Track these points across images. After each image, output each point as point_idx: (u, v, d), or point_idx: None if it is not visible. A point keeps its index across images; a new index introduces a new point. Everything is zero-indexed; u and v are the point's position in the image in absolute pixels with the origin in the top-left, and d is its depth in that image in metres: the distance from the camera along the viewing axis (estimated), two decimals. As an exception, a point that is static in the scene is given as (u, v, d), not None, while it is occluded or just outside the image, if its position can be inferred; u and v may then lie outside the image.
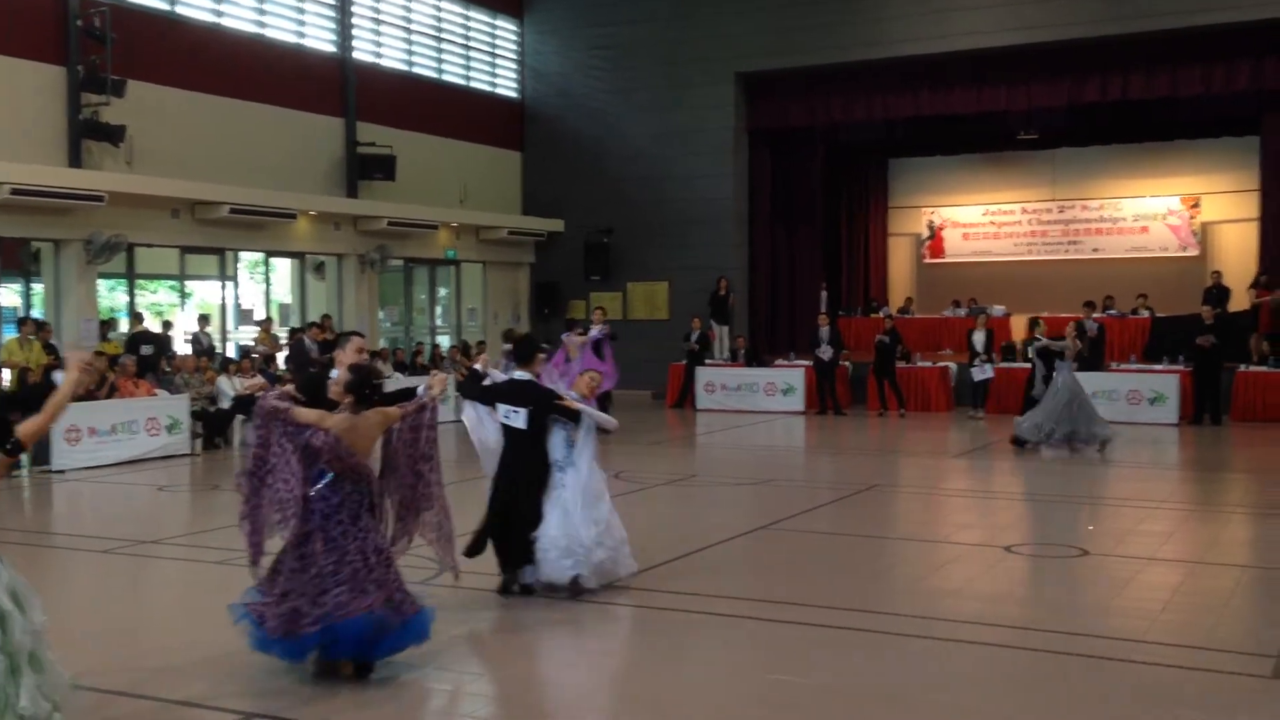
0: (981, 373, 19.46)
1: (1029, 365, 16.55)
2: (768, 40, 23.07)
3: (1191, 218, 26.65)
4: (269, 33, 20.22)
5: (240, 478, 6.40)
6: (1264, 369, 18.66)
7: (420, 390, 6.78)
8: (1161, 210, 26.95)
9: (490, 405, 8.10)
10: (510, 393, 7.96)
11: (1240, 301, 21.19)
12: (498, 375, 8.37)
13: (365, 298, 21.57)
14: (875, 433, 18.46)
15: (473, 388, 8.31)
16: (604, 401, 15.15)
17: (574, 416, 7.93)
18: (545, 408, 7.87)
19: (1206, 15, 19.97)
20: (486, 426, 8.23)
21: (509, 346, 8.77)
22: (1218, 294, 20.43)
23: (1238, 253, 24.73)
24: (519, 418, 7.85)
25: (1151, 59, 20.99)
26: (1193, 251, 26.41)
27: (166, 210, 17.93)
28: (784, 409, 20.68)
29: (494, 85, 25.33)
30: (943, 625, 7.27)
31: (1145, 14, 20.36)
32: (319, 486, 6.15)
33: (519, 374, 8.07)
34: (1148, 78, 21.17)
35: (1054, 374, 15.21)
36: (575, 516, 7.77)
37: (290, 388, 6.70)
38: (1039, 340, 15.86)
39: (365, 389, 6.22)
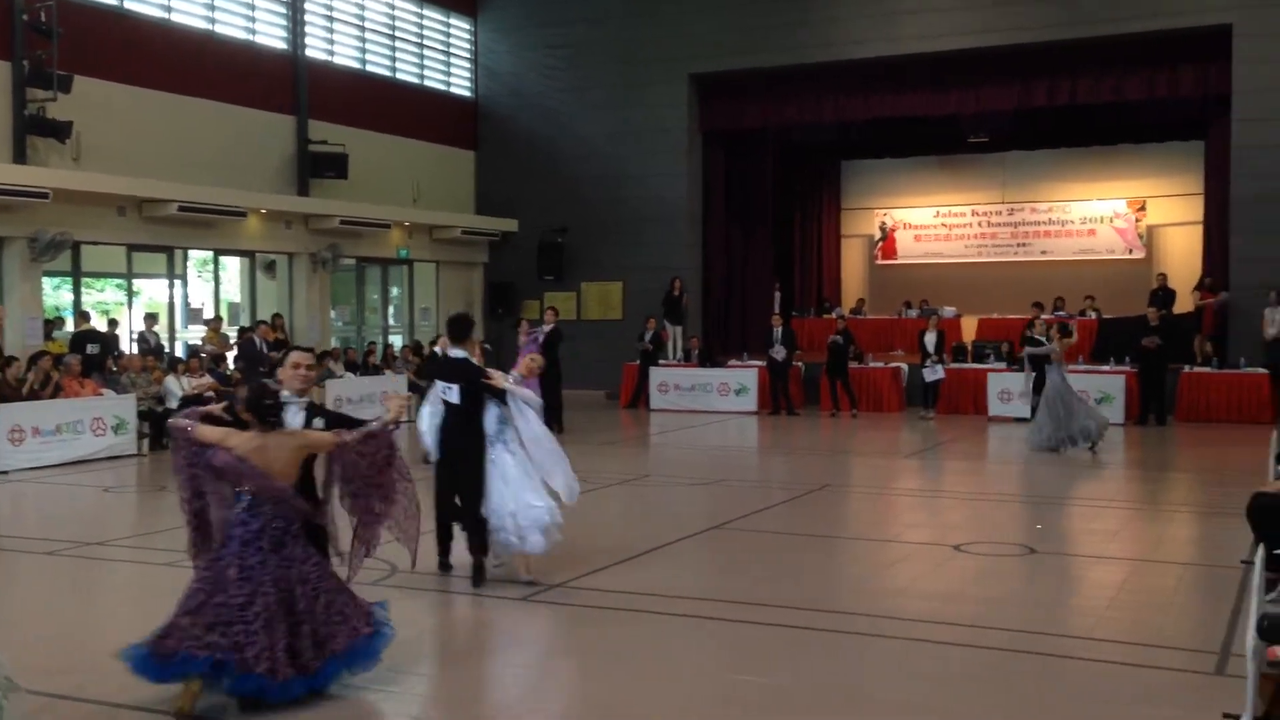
0: (933, 373, 19.64)
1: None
2: (722, 41, 23.15)
3: (1137, 221, 27.06)
4: (219, 29, 20.00)
5: (183, 505, 6.03)
6: (1207, 370, 18.99)
7: (375, 419, 6.27)
8: (1108, 213, 27.34)
9: (432, 381, 8.92)
10: (446, 370, 8.57)
11: (1185, 304, 21.54)
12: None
13: (317, 297, 21.39)
14: (827, 433, 18.58)
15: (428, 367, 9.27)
16: (555, 400, 15.45)
17: (499, 394, 8.31)
18: (474, 384, 8.31)
19: (1151, 21, 20.30)
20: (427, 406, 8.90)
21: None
22: (1163, 296, 20.76)
23: (1182, 255, 25.15)
24: (453, 393, 8.38)
25: (1098, 64, 21.30)
26: (1139, 254, 26.82)
27: (113, 208, 17.69)
28: (737, 409, 20.75)
29: (448, 84, 25.22)
30: (892, 623, 7.34)
31: (1092, 20, 20.65)
32: (237, 509, 5.76)
33: (455, 352, 8.56)
34: (1095, 82, 21.48)
35: (1045, 377, 15.35)
36: (506, 491, 8.18)
37: (216, 407, 6.20)
38: (1033, 338, 15.99)
39: (262, 408, 5.75)
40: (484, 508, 8.19)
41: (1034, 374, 16.02)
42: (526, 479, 8.22)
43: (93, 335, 17.04)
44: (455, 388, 8.37)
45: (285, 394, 6.20)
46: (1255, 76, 19.76)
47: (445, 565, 8.67)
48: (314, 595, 5.73)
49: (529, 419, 8.36)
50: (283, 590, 5.63)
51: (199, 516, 5.98)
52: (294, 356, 6.51)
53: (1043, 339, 16.07)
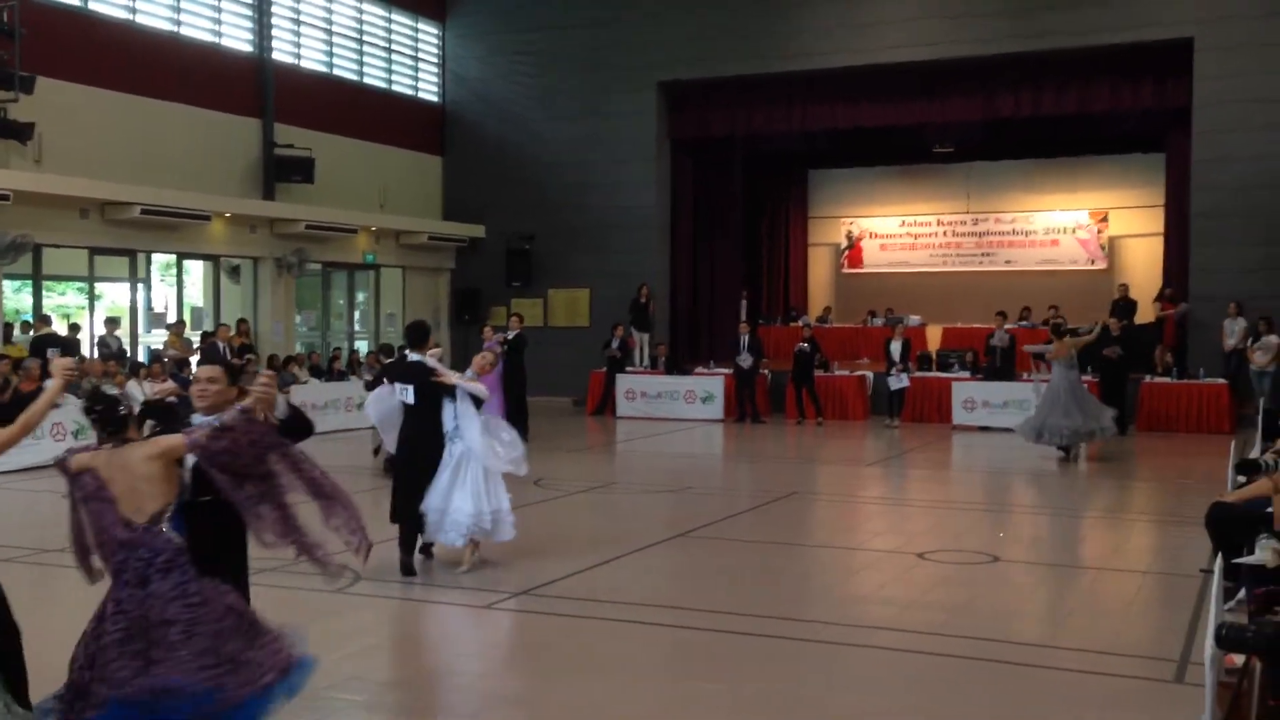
0: (898, 382, 19.76)
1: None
2: (689, 50, 23.21)
3: (1100, 232, 27.36)
4: (185, 31, 19.85)
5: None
6: (1167, 380, 19.20)
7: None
8: (1071, 224, 27.63)
9: (392, 383, 9.10)
10: (402, 372, 9.03)
11: (1146, 314, 21.79)
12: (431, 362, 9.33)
13: (282, 302, 21.26)
14: (793, 441, 18.65)
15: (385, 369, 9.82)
16: (521, 408, 15.77)
17: (449, 390, 8.75)
18: (425, 383, 8.76)
19: (1113, 35, 20.54)
20: (385, 405, 9.15)
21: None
22: (1124, 306, 20.98)
23: (1143, 266, 25.45)
24: (409, 394, 8.83)
25: (1062, 76, 21.54)
26: (1100, 265, 27.11)
27: (75, 210, 17.51)
28: (704, 417, 20.78)
29: (415, 89, 25.15)
30: (856, 631, 7.38)
31: (1055, 32, 20.88)
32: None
33: (412, 355, 9.03)
34: (1058, 94, 21.71)
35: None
36: (455, 485, 8.68)
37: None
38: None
39: (92, 415, 5.02)
40: (425, 504, 8.67)
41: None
42: (460, 479, 8.70)
43: (53, 339, 16.84)
44: (410, 388, 8.81)
45: (196, 415, 5.52)
46: (1215, 90, 20.03)
47: (409, 568, 8.85)
48: (183, 637, 4.74)
49: (468, 431, 8.73)
50: (157, 625, 4.76)
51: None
52: (196, 371, 5.98)
53: (1044, 348, 16.01)
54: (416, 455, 8.79)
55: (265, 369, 17.00)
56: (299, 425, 5.64)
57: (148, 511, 4.85)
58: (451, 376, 8.85)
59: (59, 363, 5.49)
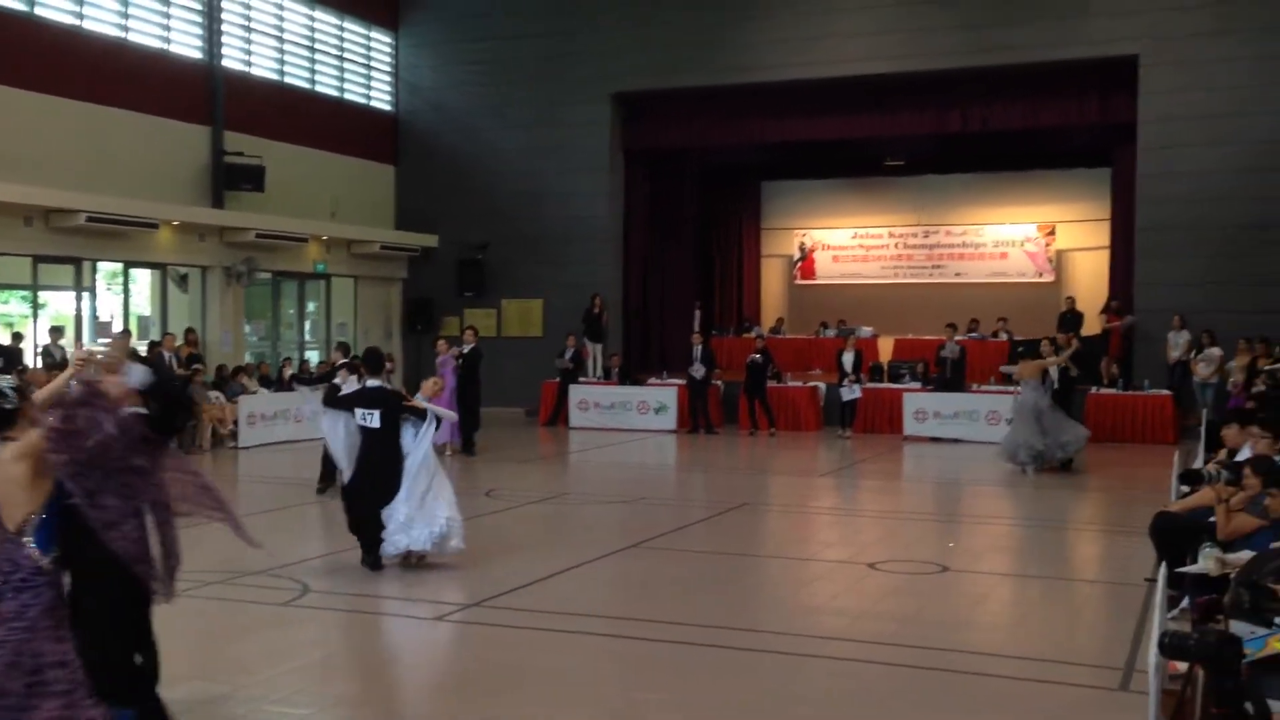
0: (850, 393, 19.88)
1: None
2: (643, 61, 23.27)
3: (1047, 245, 27.71)
4: (133, 37, 19.60)
5: None
6: (1114, 391, 19.46)
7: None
8: (1020, 237, 27.96)
9: (349, 410, 9.45)
10: (366, 398, 9.40)
11: (1092, 326, 22.09)
12: (351, 386, 10.40)
13: (230, 311, 21.01)
14: (746, 451, 18.70)
15: (334, 399, 9.98)
16: (474, 421, 15.92)
17: (421, 413, 9.40)
18: (396, 408, 9.33)
19: (1061, 51, 20.83)
20: (339, 432, 9.65)
21: (343, 360, 10.42)
22: (1071, 319, 21.25)
23: (1090, 279, 25.79)
24: (374, 418, 9.25)
25: (1011, 92, 21.81)
26: (1048, 277, 27.45)
27: (20, 218, 17.20)
28: (656, 427, 20.78)
29: (368, 97, 25.00)
30: (807, 641, 7.39)
31: (1004, 48, 21.13)
32: None
33: (371, 382, 9.54)
34: (1007, 110, 21.98)
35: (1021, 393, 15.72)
36: (430, 491, 9.24)
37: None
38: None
39: None
40: (391, 510, 9.17)
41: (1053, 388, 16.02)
42: (411, 492, 9.21)
43: (-5, 348, 16.54)
44: (376, 413, 9.26)
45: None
46: (1159, 106, 20.37)
47: (376, 564, 9.27)
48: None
49: (417, 452, 9.33)
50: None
51: None
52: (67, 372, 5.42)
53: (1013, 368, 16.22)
54: (379, 475, 9.21)
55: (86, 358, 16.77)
56: (167, 397, 4.94)
57: (15, 519, 4.27)
58: (421, 402, 9.58)
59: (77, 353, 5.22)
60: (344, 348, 14.49)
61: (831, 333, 25.33)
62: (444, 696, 6.68)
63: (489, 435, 17.88)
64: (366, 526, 9.32)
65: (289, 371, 20.32)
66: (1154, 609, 5.69)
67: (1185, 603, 7.14)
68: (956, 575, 9.47)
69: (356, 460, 9.43)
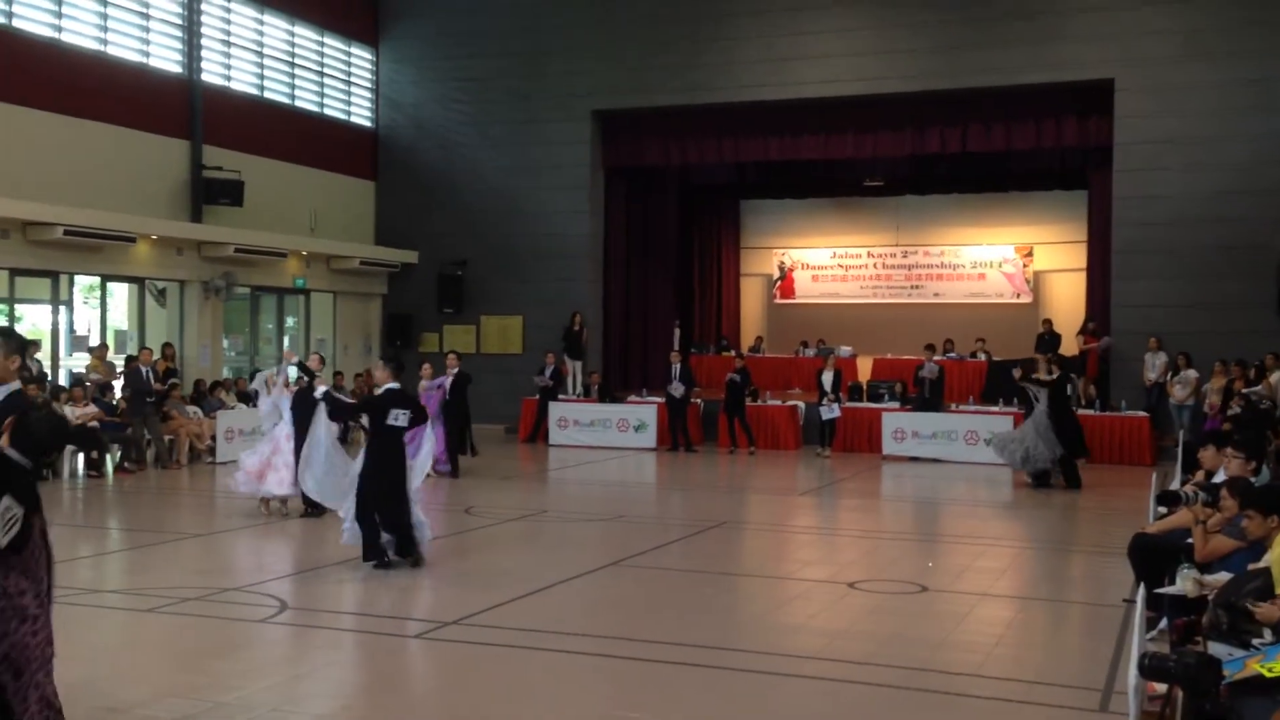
0: (829, 411, 19.92)
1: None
2: (623, 79, 23.35)
3: (1025, 266, 27.90)
4: (112, 50, 19.53)
5: None
6: (1091, 412, 19.56)
7: None
8: (997, 258, 28.14)
9: (384, 411, 10.11)
10: (400, 400, 10.26)
11: (1070, 347, 22.22)
12: (321, 390, 11.37)
13: (209, 326, 20.91)
14: (725, 470, 18.70)
15: (347, 407, 11.44)
16: (463, 445, 16.26)
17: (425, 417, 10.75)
18: (421, 411, 10.58)
19: (1036, 74, 21.03)
20: (319, 436, 11.45)
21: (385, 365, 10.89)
22: (1049, 340, 21.37)
23: (1067, 300, 25.99)
24: (405, 418, 10.12)
25: (989, 114, 21.98)
26: (1026, 298, 27.63)
27: (-5, 230, 17.11)
28: (636, 445, 20.77)
29: (348, 113, 24.98)
30: (786, 660, 7.38)
31: (981, 70, 21.33)
32: None
33: (393, 385, 10.35)
34: (985, 132, 22.15)
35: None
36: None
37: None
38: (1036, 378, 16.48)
39: None
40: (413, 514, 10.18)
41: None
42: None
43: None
44: (406, 414, 10.13)
45: None
46: (1135, 129, 20.57)
47: (421, 560, 10.08)
48: None
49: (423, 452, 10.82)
50: None
51: None
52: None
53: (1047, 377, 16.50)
54: (402, 475, 10.15)
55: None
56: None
57: None
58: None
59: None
60: (321, 359, 14.42)
61: (811, 352, 25.40)
62: (422, 715, 6.63)
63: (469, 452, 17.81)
64: (403, 524, 10.03)
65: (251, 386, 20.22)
66: (1133, 630, 5.71)
67: (1163, 623, 7.16)
68: (936, 595, 9.48)
69: (383, 460, 10.09)
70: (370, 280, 24.82)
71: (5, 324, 18.45)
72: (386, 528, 10.03)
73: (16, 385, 5.01)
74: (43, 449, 4.60)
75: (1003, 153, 23.13)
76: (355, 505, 10.08)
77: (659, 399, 21.26)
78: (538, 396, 21.94)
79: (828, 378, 20.17)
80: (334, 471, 11.31)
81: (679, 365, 20.87)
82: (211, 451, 18.07)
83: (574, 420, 21.47)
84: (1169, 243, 20.32)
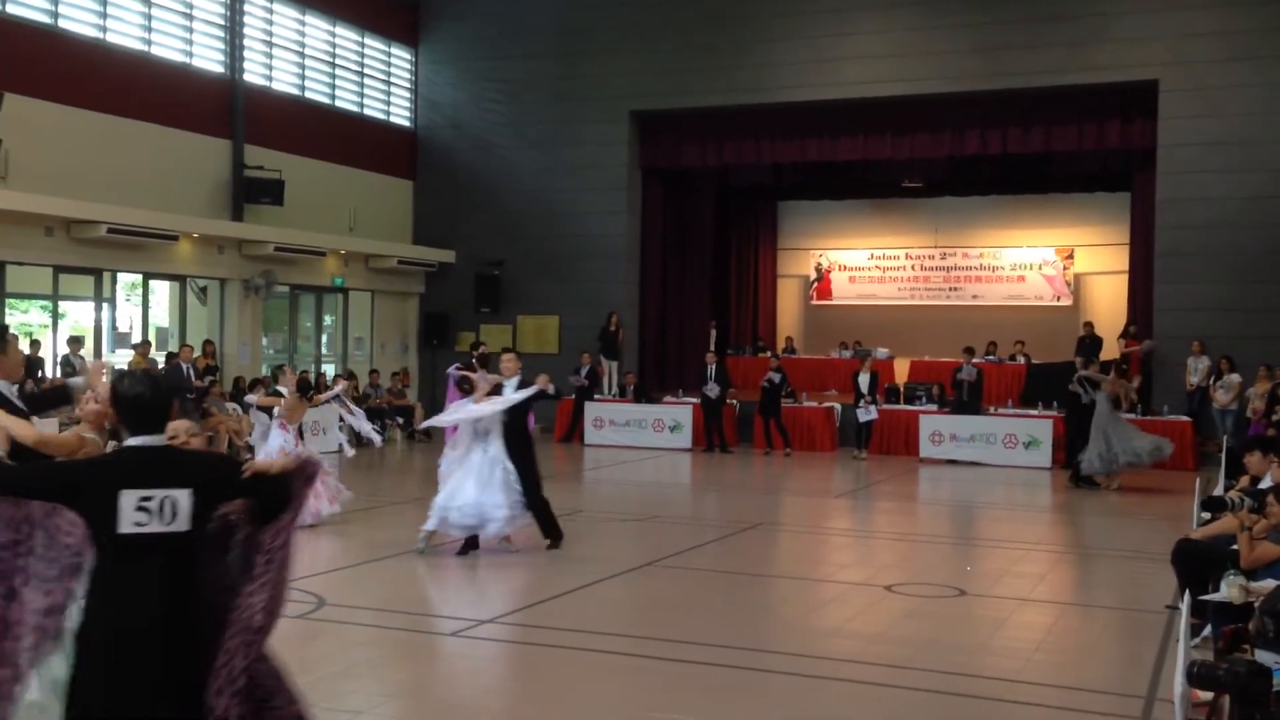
0: (866, 414, 19.80)
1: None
2: (661, 81, 23.33)
3: (1065, 269, 27.64)
4: (156, 51, 19.73)
5: None
6: (1132, 416, 19.30)
7: None
8: (1037, 260, 27.90)
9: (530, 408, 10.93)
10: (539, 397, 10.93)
11: (1111, 351, 21.99)
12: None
13: (248, 323, 21.08)
14: (760, 471, 18.64)
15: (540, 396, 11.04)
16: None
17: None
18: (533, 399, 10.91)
19: (1080, 75, 20.83)
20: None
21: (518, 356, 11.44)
22: (1090, 344, 21.15)
23: (1108, 304, 25.71)
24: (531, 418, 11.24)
25: (1029, 115, 21.78)
26: (1066, 301, 27.37)
27: (41, 228, 17.31)
28: (671, 446, 20.75)
29: (388, 113, 25.11)
30: (823, 663, 7.34)
31: (1023, 72, 21.14)
32: None
33: (516, 377, 11.06)
34: (1025, 133, 21.95)
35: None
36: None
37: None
38: (1088, 377, 16.53)
39: None
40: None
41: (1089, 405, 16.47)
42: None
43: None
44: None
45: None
46: (1179, 131, 20.32)
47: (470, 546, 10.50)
48: None
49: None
50: None
51: None
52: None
53: (1100, 377, 16.45)
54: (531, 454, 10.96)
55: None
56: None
57: None
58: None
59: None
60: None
61: (847, 354, 25.27)
62: (458, 712, 6.64)
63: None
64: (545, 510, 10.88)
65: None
66: (1178, 637, 5.63)
67: (1207, 630, 7.07)
68: (974, 599, 9.40)
69: (529, 453, 10.85)
70: (408, 280, 24.94)
71: (50, 321, 18.70)
72: (539, 514, 10.90)
73: None
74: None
75: (1043, 154, 22.92)
76: (525, 495, 10.62)
77: (695, 400, 21.22)
78: (574, 397, 21.96)
79: (864, 379, 20.05)
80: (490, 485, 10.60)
81: (714, 366, 20.83)
82: (250, 448, 18.19)
83: (610, 420, 21.48)
84: (1212, 246, 20.06)
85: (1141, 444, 15.90)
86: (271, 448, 11.89)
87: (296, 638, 7.92)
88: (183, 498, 3.70)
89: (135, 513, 3.65)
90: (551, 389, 11.05)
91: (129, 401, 3.83)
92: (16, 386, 5.51)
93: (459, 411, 10.77)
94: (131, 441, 3.81)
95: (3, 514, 3.75)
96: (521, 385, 11.24)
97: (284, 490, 3.89)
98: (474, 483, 10.26)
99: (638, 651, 7.55)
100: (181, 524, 3.70)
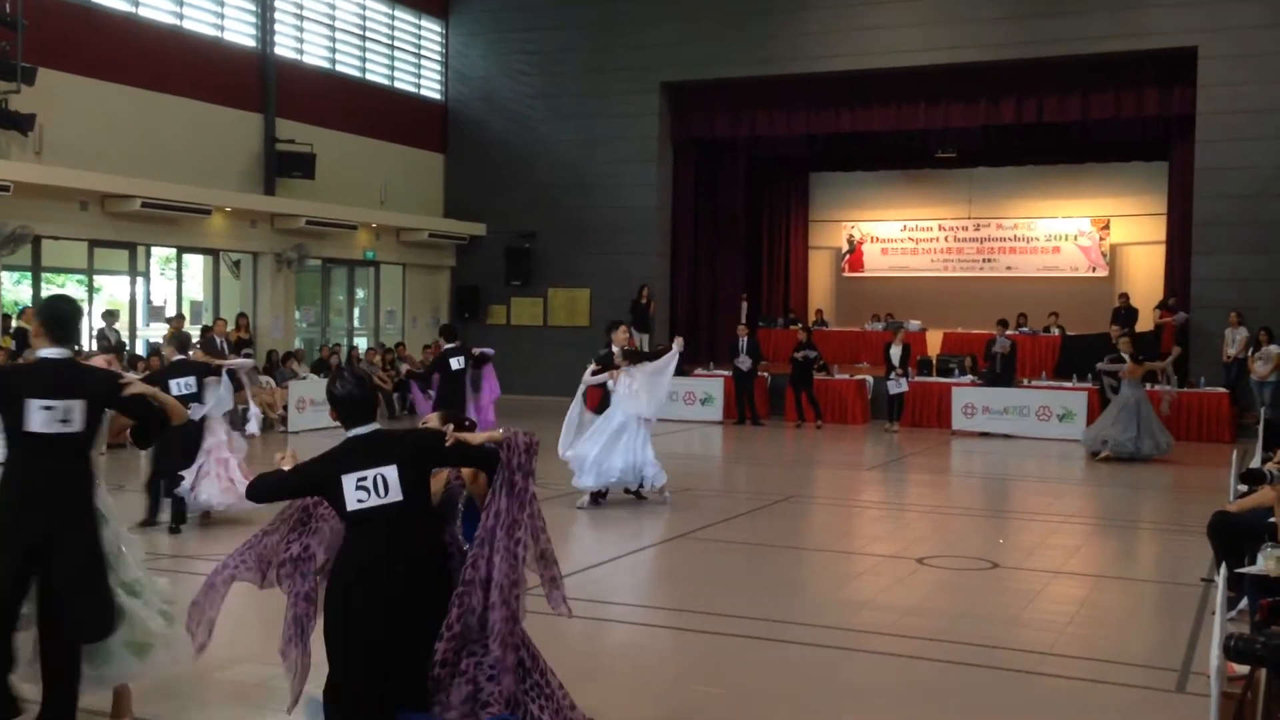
0: (897, 386, 19.71)
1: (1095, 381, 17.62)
2: (693, 51, 23.18)
3: (1101, 239, 27.32)
4: (187, 24, 19.81)
5: None
6: (1169, 388, 19.13)
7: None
8: (1073, 231, 27.59)
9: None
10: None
11: (1146, 322, 21.76)
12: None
13: (281, 297, 21.21)
14: (792, 444, 18.60)
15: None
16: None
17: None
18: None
19: (1116, 42, 20.53)
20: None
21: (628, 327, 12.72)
22: (1125, 315, 20.93)
23: (1145, 275, 25.42)
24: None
25: (1065, 83, 21.50)
26: (1102, 272, 27.08)
27: (76, 202, 17.46)
28: (703, 418, 20.73)
29: (418, 86, 25.11)
30: (855, 636, 7.33)
31: (1058, 39, 20.86)
32: None
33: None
34: (1061, 101, 21.68)
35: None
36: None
37: None
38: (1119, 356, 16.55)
39: None
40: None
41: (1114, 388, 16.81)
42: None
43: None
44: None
45: None
46: (1219, 99, 20.00)
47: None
48: None
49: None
50: None
51: None
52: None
53: (1125, 357, 16.36)
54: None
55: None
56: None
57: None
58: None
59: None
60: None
61: (879, 326, 25.13)
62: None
63: (536, 424, 17.85)
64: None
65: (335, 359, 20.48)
66: (1214, 610, 5.57)
67: (1243, 604, 7.00)
68: (1007, 572, 9.36)
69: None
70: (439, 253, 25.00)
71: (86, 295, 18.87)
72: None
73: None
74: None
75: (1079, 123, 22.64)
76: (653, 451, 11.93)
77: (726, 372, 21.18)
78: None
79: (896, 352, 19.94)
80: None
81: (746, 338, 20.77)
82: (284, 420, 18.35)
83: (641, 393, 21.43)
84: (1252, 215, 19.77)
85: (1163, 437, 16.13)
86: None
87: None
88: (390, 473, 4.44)
89: (356, 492, 4.45)
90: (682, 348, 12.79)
91: (345, 400, 4.60)
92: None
93: (636, 376, 12.16)
94: (351, 433, 4.59)
95: (296, 507, 4.88)
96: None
97: (490, 459, 4.62)
98: (629, 442, 11.81)
99: (670, 624, 7.57)
100: (395, 495, 4.45)
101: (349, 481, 4.45)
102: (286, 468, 4.72)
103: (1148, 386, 17.02)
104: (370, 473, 4.45)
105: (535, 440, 4.73)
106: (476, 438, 4.64)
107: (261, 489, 4.68)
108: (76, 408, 5.03)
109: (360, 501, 4.44)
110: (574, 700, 4.99)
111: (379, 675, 4.48)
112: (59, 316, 5.24)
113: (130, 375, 5.72)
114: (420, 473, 4.55)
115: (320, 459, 4.61)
